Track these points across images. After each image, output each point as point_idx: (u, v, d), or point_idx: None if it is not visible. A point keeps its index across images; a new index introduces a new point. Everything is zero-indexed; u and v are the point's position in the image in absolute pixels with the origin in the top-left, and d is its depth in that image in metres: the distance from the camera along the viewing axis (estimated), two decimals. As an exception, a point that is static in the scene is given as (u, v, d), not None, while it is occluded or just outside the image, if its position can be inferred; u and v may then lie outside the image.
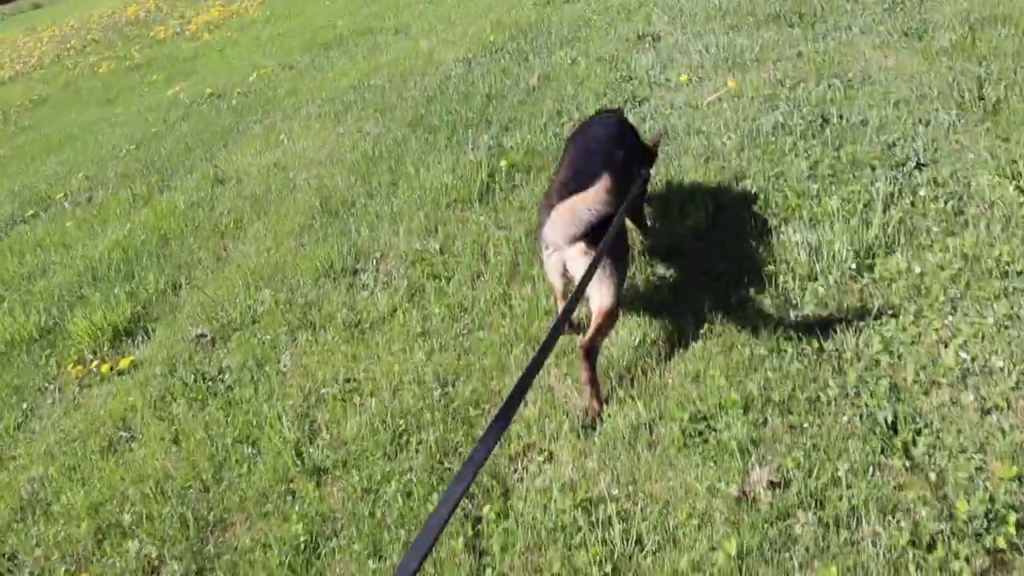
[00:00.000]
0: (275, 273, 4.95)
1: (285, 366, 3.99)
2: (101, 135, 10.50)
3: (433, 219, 5.05)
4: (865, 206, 4.03)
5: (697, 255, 3.95)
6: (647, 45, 7.41)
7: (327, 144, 7.11)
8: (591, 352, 3.02)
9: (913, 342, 3.15)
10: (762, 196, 4.27)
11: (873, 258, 3.65)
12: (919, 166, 4.32)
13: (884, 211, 3.93)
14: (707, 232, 4.11)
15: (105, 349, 4.66)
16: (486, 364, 3.56)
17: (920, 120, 4.79)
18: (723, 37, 7.07)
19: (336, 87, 8.86)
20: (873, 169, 4.36)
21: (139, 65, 15.53)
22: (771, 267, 3.72)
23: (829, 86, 5.56)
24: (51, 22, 31.03)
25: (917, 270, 3.50)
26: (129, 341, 4.74)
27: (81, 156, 9.55)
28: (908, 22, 6.38)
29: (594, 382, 3.07)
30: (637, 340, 3.49)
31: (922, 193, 4.02)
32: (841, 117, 5.00)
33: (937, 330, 3.17)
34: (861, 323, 3.27)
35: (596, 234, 2.78)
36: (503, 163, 5.31)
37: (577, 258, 2.94)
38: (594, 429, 3.03)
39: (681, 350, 3.37)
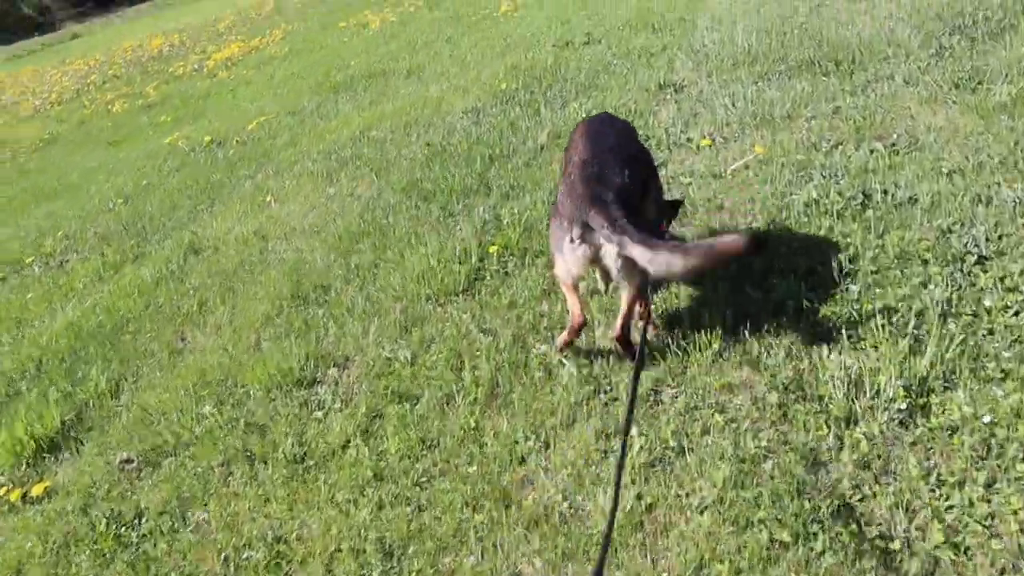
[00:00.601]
0: (226, 378, 4.35)
1: (209, 511, 3.36)
2: (96, 184, 10.10)
3: (410, 315, 4.44)
4: (918, 317, 3.31)
5: (705, 389, 3.26)
6: (668, 96, 6.77)
7: (314, 209, 6.55)
8: (625, 336, 3.27)
9: (986, 527, 2.42)
10: (790, 303, 3.56)
11: (928, 395, 2.93)
12: (981, 260, 3.59)
13: (940, 326, 3.19)
14: (723, 351, 3.41)
15: (24, 468, 4.08)
16: (441, 531, 2.90)
17: (979, 197, 4.07)
18: (751, 88, 6.40)
19: (336, 138, 8.33)
20: (925, 264, 3.65)
21: (151, 105, 15.24)
22: (799, 407, 3.00)
23: (871, 151, 4.86)
24: (82, 54, 31.30)
25: (986, 417, 2.76)
26: (52, 458, 4.15)
27: (70, 209, 9.14)
28: (958, 71, 5.65)
29: (632, 352, 3.22)
30: (630, 505, 2.80)
31: (987, 302, 3.29)
32: (885, 192, 4.30)
33: (1016, 512, 2.44)
34: (915, 496, 2.54)
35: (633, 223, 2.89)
36: (493, 248, 4.66)
37: (615, 259, 2.99)
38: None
39: (682, 524, 2.68)
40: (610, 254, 2.99)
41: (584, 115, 6.78)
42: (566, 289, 3.30)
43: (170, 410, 4.24)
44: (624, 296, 3.16)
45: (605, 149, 3.29)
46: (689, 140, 5.78)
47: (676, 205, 4.10)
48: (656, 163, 4.00)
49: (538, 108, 7.30)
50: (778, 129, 5.56)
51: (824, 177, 4.66)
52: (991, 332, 3.19)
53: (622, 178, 3.08)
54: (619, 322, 3.23)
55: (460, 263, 4.73)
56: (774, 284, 3.73)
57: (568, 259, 3.08)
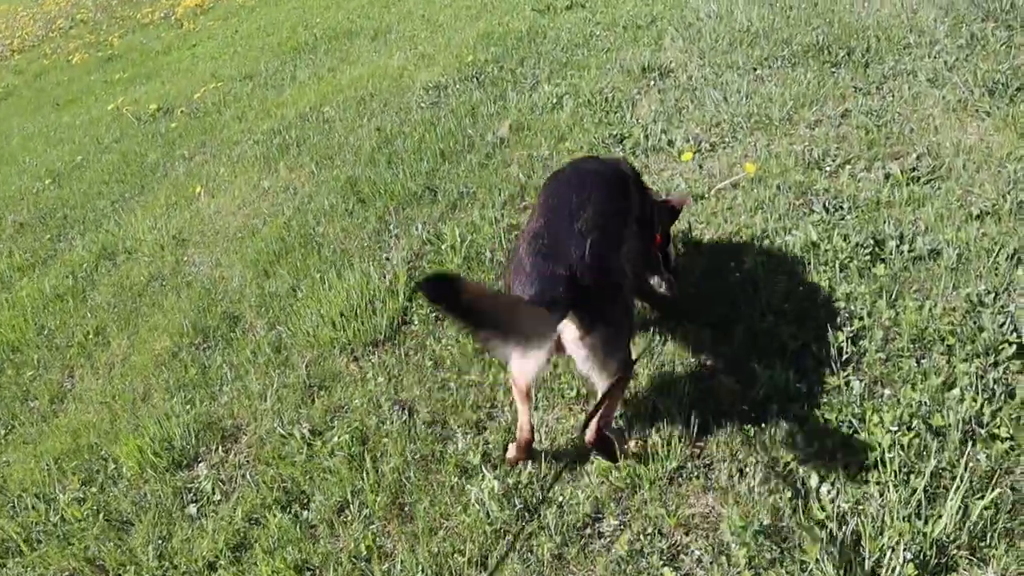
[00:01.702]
0: (100, 445, 3.65)
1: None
2: (32, 155, 9.25)
3: (319, 371, 3.70)
4: (937, 439, 2.55)
5: (657, 524, 2.53)
6: (652, 83, 5.92)
7: (245, 207, 5.77)
8: (601, 439, 2.55)
9: None
10: (774, 402, 2.81)
11: (948, 573, 2.18)
12: (1021, 352, 2.82)
13: (967, 458, 2.44)
14: (683, 468, 2.67)
15: None
16: None
17: (1018, 256, 3.28)
18: (748, 77, 5.55)
19: (285, 115, 7.52)
20: (949, 353, 2.91)
21: (112, 57, 14.31)
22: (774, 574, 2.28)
23: (886, 176, 4.07)
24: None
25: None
26: None
27: (-4, 186, 8.32)
28: (993, 71, 4.82)
29: (612, 450, 2.63)
30: None
31: None
32: (901, 240, 3.51)
33: None
34: None
35: (596, 302, 2.33)
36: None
37: (572, 343, 2.36)
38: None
39: None
40: (571, 344, 2.40)
41: (555, 101, 5.96)
42: (516, 393, 2.73)
43: (29, 487, 3.51)
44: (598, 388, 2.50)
45: (564, 212, 2.61)
46: (670, 143, 4.97)
47: (675, 213, 3.48)
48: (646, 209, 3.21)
49: (505, 89, 6.44)
50: (775, 135, 4.75)
51: (827, 210, 3.87)
52: (1033, 461, 2.43)
53: (582, 248, 2.43)
54: (593, 425, 2.50)
55: (385, 301, 3.94)
56: (755, 372, 2.96)
57: (516, 361, 2.48)
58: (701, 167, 4.57)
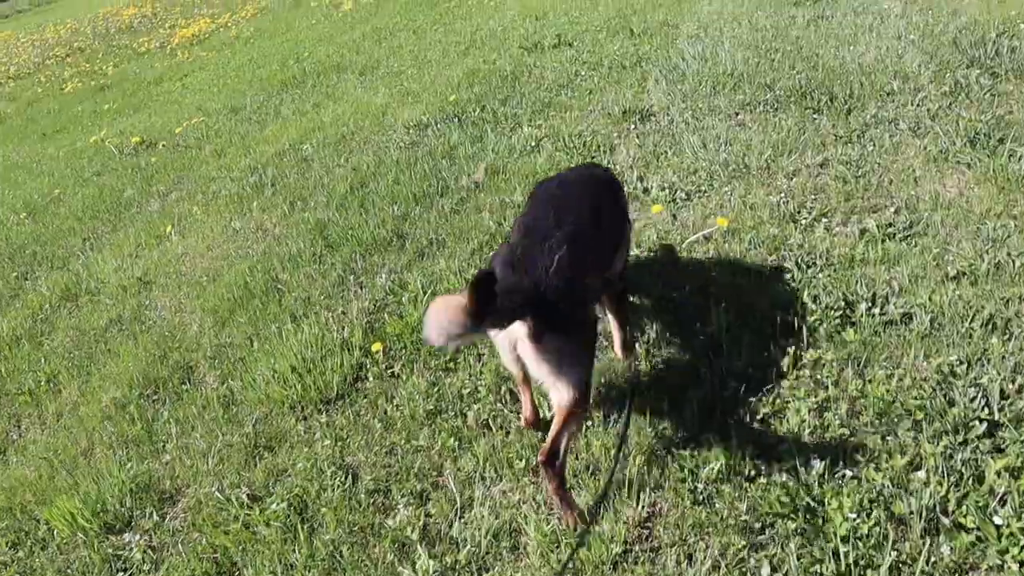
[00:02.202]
0: (36, 504, 3.48)
1: None
2: (12, 187, 9.15)
3: (267, 431, 3.54)
4: (899, 526, 2.39)
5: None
6: (633, 127, 5.83)
7: (213, 248, 5.64)
8: (552, 458, 2.48)
9: None
10: (726, 488, 2.65)
11: None
12: (991, 431, 2.69)
13: (925, 541, 2.29)
14: (625, 563, 2.52)
15: None
16: None
17: (993, 322, 3.15)
18: (729, 123, 5.44)
19: (264, 152, 7.41)
20: (916, 428, 2.76)
21: (104, 87, 14.29)
22: None
23: (861, 231, 3.95)
24: (61, 19, 30.10)
25: None
26: None
27: (-31, 222, 8.20)
28: (975, 120, 4.72)
29: (562, 494, 2.56)
30: None
31: (997, 518, 2.37)
32: (873, 303, 3.36)
33: None
34: None
35: (553, 314, 2.39)
36: (377, 347, 3.75)
37: (525, 349, 2.47)
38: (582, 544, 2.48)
39: None
40: (523, 350, 2.52)
41: (534, 143, 5.86)
42: (515, 380, 2.97)
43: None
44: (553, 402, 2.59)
45: (541, 226, 2.73)
46: (645, 191, 4.86)
47: None
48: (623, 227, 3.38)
49: (485, 130, 6.33)
50: (752, 184, 4.63)
51: (800, 267, 3.74)
52: (1003, 555, 2.27)
53: (546, 264, 2.52)
54: (547, 440, 2.53)
55: (340, 356, 3.80)
56: (711, 446, 2.81)
57: (499, 349, 2.73)
58: (675, 217, 4.44)
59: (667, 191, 4.73)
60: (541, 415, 3.09)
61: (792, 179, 4.61)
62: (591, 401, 2.83)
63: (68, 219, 7.31)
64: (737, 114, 5.69)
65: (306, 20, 15.09)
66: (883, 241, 3.85)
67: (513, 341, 2.53)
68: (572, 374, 2.47)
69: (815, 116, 5.35)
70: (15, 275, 6.35)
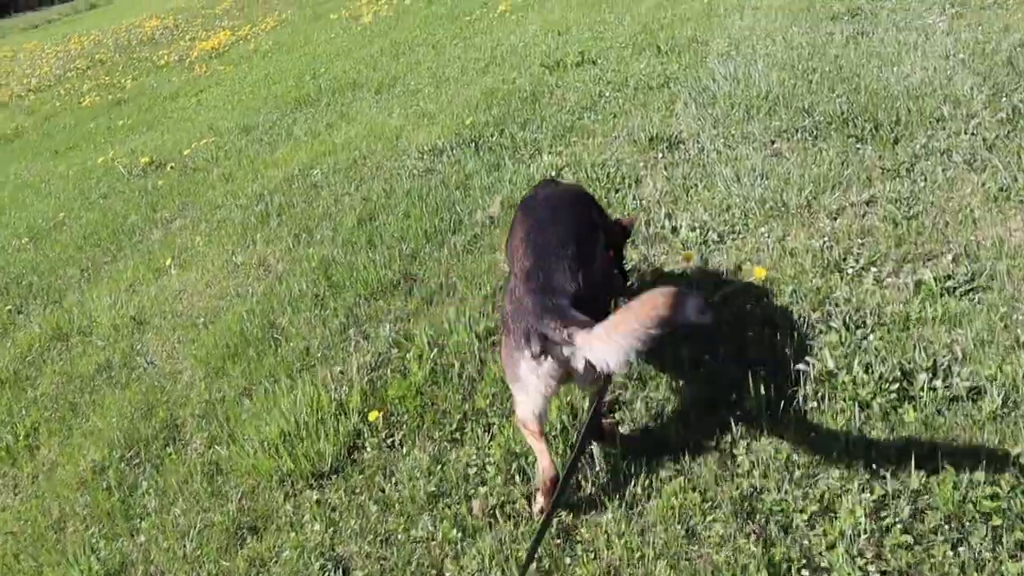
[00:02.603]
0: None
1: None
2: (19, 208, 8.92)
3: (252, 509, 3.19)
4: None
5: None
6: (660, 155, 5.45)
7: (213, 284, 5.34)
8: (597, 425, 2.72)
9: None
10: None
11: None
12: (1085, 537, 2.26)
13: None
14: None
15: None
16: None
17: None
18: (764, 152, 5.04)
19: (274, 176, 7.12)
20: (992, 534, 2.32)
21: (120, 101, 14.12)
22: None
23: (916, 284, 3.52)
24: (86, 30, 30.21)
25: None
26: None
27: (-24, 243, 7.99)
28: (1042, 153, 4.27)
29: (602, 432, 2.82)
30: None
31: None
32: (934, 372, 2.95)
33: None
34: None
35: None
36: (374, 416, 3.39)
37: (598, 348, 2.27)
38: None
39: None
40: (580, 361, 2.43)
41: (554, 172, 5.51)
42: (531, 436, 2.69)
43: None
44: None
45: (550, 246, 2.75)
46: (674, 230, 4.48)
47: (627, 233, 3.64)
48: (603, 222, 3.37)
49: (503, 157, 5.97)
50: (791, 224, 4.23)
51: (848, 327, 3.33)
52: None
53: (576, 279, 2.61)
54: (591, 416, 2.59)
55: (336, 421, 3.45)
56: (745, 549, 2.41)
57: (532, 385, 2.53)
58: (707, 263, 4.03)
59: (698, 231, 4.35)
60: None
61: (836, 219, 4.20)
62: None
63: (69, 247, 7.06)
64: (773, 142, 5.29)
65: (325, 33, 14.85)
66: (941, 296, 3.44)
67: (563, 366, 2.48)
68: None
69: (859, 146, 4.93)
70: (8, 308, 6.08)
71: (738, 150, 5.23)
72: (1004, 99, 5.06)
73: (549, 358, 2.45)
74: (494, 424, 3.30)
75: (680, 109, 6.17)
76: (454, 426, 3.36)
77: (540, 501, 2.76)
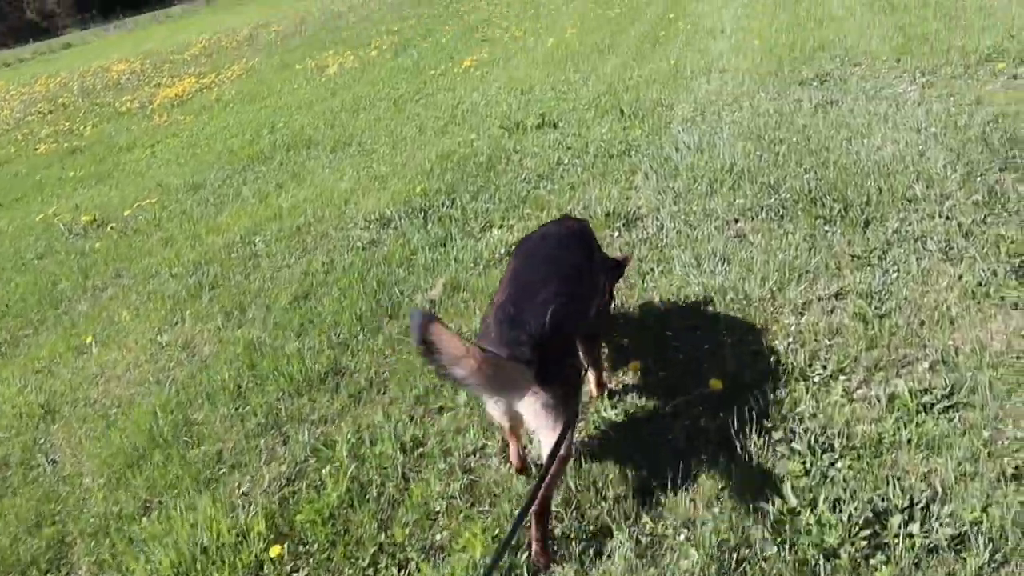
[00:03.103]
0: None
1: None
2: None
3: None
4: None
5: None
6: (616, 233, 5.12)
7: (133, 368, 4.91)
8: (546, 510, 2.65)
9: None
10: None
11: None
12: None
13: None
14: None
15: None
16: None
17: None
18: (726, 233, 4.72)
19: (214, 243, 6.67)
20: None
21: (76, 150, 13.67)
22: None
23: (890, 398, 3.15)
24: (56, 72, 29.80)
25: None
26: None
27: None
28: (1019, 243, 3.98)
29: (544, 540, 2.67)
30: None
31: None
32: (910, 511, 2.58)
33: None
34: None
35: (551, 365, 2.55)
36: (276, 551, 2.95)
37: (527, 398, 2.57)
38: None
39: None
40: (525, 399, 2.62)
41: (505, 250, 5.11)
42: (505, 434, 3.11)
43: None
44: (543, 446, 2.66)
45: (532, 282, 2.91)
46: (625, 320, 4.07)
47: (620, 270, 3.81)
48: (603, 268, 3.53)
49: (451, 231, 5.60)
50: (754, 316, 3.86)
51: (813, 451, 2.95)
52: None
53: (541, 319, 2.64)
54: (543, 489, 2.57)
55: (234, 552, 3.00)
56: None
57: (492, 411, 2.82)
58: (659, 368, 3.65)
59: (653, 326, 3.96)
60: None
61: (802, 315, 3.85)
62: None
63: (-9, 317, 6.54)
64: (736, 221, 4.98)
65: (289, 84, 14.56)
66: (918, 413, 3.07)
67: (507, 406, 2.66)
68: (565, 421, 2.57)
69: (827, 228, 4.62)
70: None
71: (699, 229, 4.91)
72: (979, 179, 4.78)
73: (500, 400, 2.65)
74: (411, 562, 2.87)
75: (640, 181, 5.85)
76: (367, 561, 2.93)
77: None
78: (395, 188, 6.89)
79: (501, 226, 5.61)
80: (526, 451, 3.17)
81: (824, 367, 3.46)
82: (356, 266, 5.45)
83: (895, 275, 4.05)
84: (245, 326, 5.06)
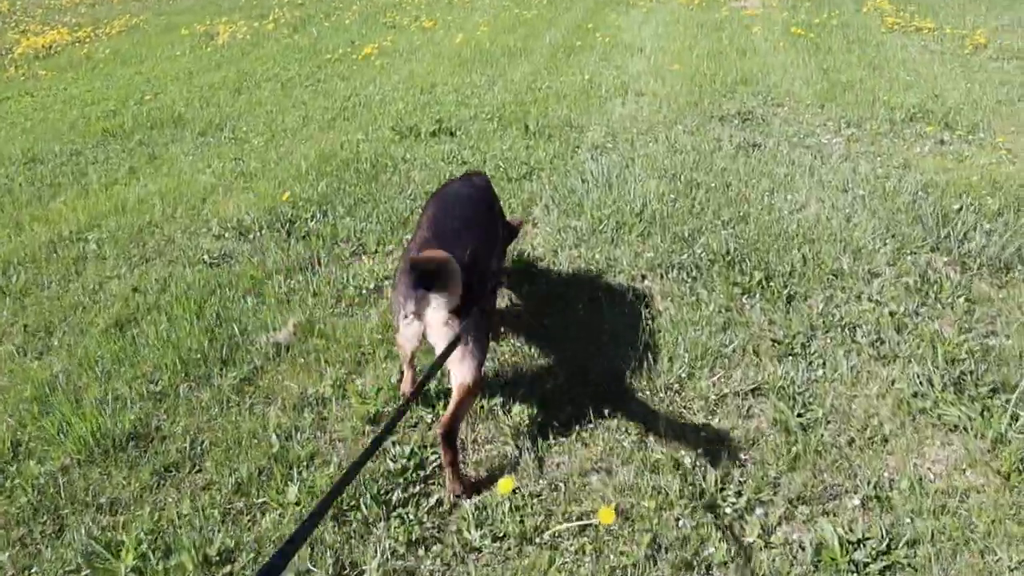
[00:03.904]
0: None
1: None
2: None
3: None
4: None
5: None
6: (505, 279, 4.35)
7: None
8: (451, 434, 2.82)
9: None
10: None
11: None
12: None
13: None
14: None
15: None
16: None
17: None
18: (629, 295, 4.09)
19: (37, 237, 5.63)
20: None
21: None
22: None
23: (816, 549, 2.57)
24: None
25: None
26: None
27: None
28: (956, 346, 3.52)
29: (454, 463, 2.86)
30: None
31: None
32: None
33: None
34: None
35: (469, 300, 2.74)
36: None
37: (438, 328, 2.80)
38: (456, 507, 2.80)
39: None
40: (437, 327, 2.81)
41: (373, 286, 4.39)
42: (402, 358, 3.34)
43: None
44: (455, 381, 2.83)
45: (450, 226, 3.17)
46: (491, 413, 3.38)
47: (513, 233, 4.02)
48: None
49: (317, 252, 4.80)
50: (657, 409, 3.22)
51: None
52: None
53: (462, 255, 2.76)
54: (447, 416, 2.82)
55: None
56: None
57: (403, 335, 2.97)
58: (535, 490, 2.96)
59: (527, 426, 3.27)
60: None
61: (713, 414, 3.24)
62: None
63: None
64: (644, 277, 4.33)
65: (171, 49, 13.29)
66: (849, 573, 2.45)
67: (422, 328, 2.85)
68: (477, 356, 2.79)
69: (745, 299, 4.07)
70: None
71: (599, 282, 4.23)
72: (909, 257, 4.33)
73: (416, 320, 2.83)
74: None
75: (540, 214, 5.18)
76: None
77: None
78: (262, 190, 6.01)
79: (376, 251, 4.86)
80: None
81: (739, 493, 2.85)
82: (196, 288, 4.58)
83: (820, 371, 3.50)
84: (47, 355, 4.14)
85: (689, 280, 4.30)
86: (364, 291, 4.41)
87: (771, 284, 4.17)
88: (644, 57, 9.36)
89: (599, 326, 3.88)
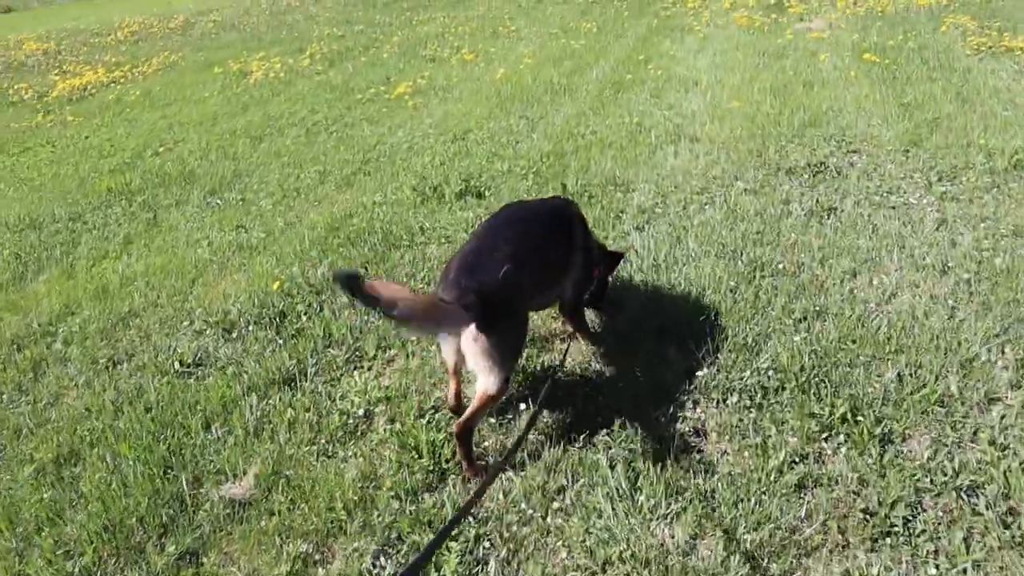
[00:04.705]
0: None
1: None
2: None
3: None
4: None
5: None
6: (512, 418, 3.58)
7: None
8: (465, 433, 3.02)
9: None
10: None
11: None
12: None
13: None
14: None
15: None
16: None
17: None
18: (676, 431, 3.21)
19: (6, 328, 5.00)
20: None
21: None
22: None
23: None
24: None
25: None
26: None
27: None
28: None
29: (469, 458, 3.08)
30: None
31: None
32: None
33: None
34: None
35: (496, 315, 2.89)
36: None
37: (468, 344, 2.96)
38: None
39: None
40: (466, 342, 2.97)
41: (361, 415, 3.63)
42: (448, 369, 3.45)
43: None
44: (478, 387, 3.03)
45: (497, 241, 3.29)
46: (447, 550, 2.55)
47: (617, 258, 4.06)
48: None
49: (303, 362, 4.05)
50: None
51: None
52: None
53: (494, 275, 2.98)
54: (465, 416, 3.05)
55: None
56: None
57: (444, 349, 3.25)
58: None
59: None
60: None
61: None
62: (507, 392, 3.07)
63: None
64: (695, 405, 3.47)
65: (201, 90, 12.82)
66: None
67: (458, 340, 3.00)
68: (503, 368, 2.96)
69: (826, 440, 3.16)
70: None
71: (640, 419, 3.38)
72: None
73: (451, 336, 3.05)
74: None
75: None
76: None
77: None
78: (259, 269, 5.31)
79: (374, 358, 4.07)
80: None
81: None
82: (156, 411, 3.86)
83: (932, 568, 2.57)
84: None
85: (754, 407, 3.42)
86: (351, 420, 3.63)
87: (859, 418, 3.27)
88: (699, 93, 8.47)
89: (638, 496, 3.01)
